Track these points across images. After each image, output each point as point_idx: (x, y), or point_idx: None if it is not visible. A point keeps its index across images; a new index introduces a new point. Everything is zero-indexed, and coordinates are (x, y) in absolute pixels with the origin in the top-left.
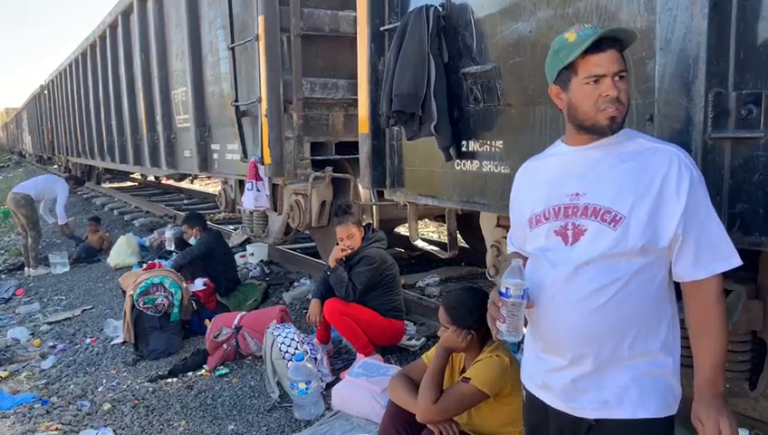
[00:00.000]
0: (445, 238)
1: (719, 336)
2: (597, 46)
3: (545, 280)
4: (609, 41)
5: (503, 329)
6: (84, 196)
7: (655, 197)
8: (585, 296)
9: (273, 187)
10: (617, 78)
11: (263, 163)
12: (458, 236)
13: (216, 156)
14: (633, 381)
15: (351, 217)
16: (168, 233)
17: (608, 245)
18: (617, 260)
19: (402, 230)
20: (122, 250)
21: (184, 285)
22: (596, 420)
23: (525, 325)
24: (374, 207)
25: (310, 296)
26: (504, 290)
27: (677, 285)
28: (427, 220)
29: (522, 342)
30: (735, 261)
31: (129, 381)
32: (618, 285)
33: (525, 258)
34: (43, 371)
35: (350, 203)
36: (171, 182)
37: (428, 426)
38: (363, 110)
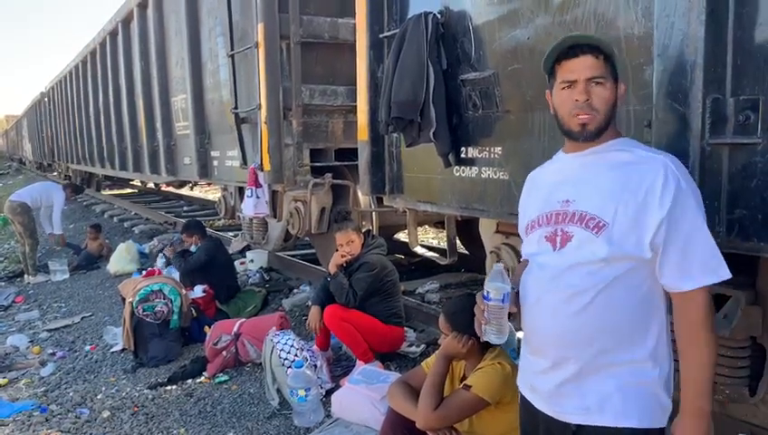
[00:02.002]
0: (444, 245)
1: (706, 353)
2: (572, 52)
3: (532, 283)
4: (584, 47)
5: (486, 330)
6: (84, 203)
7: (639, 205)
8: (566, 299)
9: (273, 193)
10: (592, 84)
11: (262, 170)
12: (458, 242)
13: (215, 163)
14: (617, 390)
15: (351, 224)
16: (160, 263)
17: (590, 250)
18: (599, 266)
19: (402, 237)
20: (122, 257)
21: (183, 291)
22: (578, 427)
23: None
24: (373, 213)
25: (309, 303)
26: (485, 293)
27: None
28: (426, 227)
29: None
30: (724, 273)
31: (128, 389)
32: (598, 289)
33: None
34: (43, 378)
35: (349, 209)
36: (171, 189)
37: (429, 433)
38: (362, 116)
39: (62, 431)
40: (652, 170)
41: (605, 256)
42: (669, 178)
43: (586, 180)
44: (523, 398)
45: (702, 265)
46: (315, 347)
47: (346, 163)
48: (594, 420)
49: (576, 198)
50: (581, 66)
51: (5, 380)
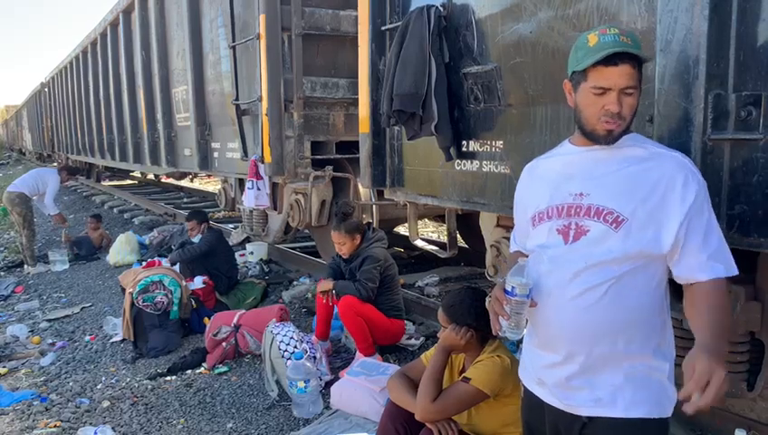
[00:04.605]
0: (444, 238)
1: (723, 318)
2: (610, 59)
3: (543, 277)
4: (624, 55)
5: (505, 326)
6: (84, 193)
7: (658, 201)
8: (579, 294)
9: (274, 185)
10: (624, 94)
11: (263, 162)
12: (458, 235)
13: (216, 154)
14: (627, 381)
15: (344, 226)
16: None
17: (608, 246)
18: (616, 261)
19: (402, 230)
20: (122, 248)
21: (183, 283)
22: (589, 418)
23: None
24: (374, 206)
25: (310, 295)
26: (509, 289)
27: (676, 289)
28: (426, 220)
29: (521, 341)
30: (733, 270)
31: (128, 379)
32: (612, 284)
33: (527, 257)
34: (43, 368)
35: (352, 205)
36: (171, 181)
37: (427, 425)
38: (364, 109)
39: (61, 421)
40: (671, 167)
41: (623, 251)
42: (690, 177)
43: (601, 175)
44: (527, 391)
45: (716, 257)
46: (314, 338)
47: (347, 156)
48: (605, 411)
49: (591, 191)
50: (618, 75)
51: (5, 369)
